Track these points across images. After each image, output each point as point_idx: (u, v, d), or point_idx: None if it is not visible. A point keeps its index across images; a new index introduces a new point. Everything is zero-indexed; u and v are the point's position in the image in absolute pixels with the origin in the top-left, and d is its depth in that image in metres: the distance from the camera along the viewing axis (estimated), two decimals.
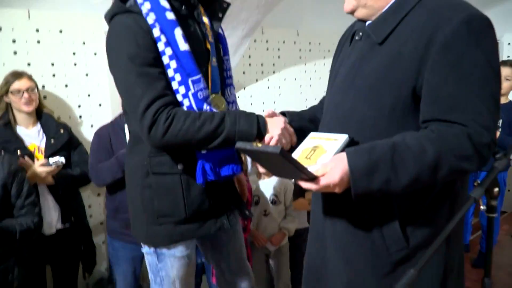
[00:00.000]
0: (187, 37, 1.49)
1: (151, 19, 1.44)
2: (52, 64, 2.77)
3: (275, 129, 1.44)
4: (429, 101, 1.14)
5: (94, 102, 2.96)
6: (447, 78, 1.10)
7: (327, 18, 3.91)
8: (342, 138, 1.23)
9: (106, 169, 2.43)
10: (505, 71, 3.18)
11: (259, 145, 1.18)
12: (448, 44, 1.09)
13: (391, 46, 1.19)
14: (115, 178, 2.39)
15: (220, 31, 1.73)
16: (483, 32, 1.11)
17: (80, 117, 2.92)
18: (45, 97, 2.72)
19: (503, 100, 3.22)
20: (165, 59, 1.45)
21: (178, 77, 1.46)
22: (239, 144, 1.22)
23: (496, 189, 1.11)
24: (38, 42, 2.70)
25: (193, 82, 1.47)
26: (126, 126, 2.51)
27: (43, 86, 2.73)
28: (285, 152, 1.09)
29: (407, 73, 1.15)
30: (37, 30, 2.69)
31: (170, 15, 1.46)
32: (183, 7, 1.53)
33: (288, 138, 1.47)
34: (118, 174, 2.37)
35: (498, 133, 3.06)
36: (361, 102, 1.24)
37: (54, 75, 2.78)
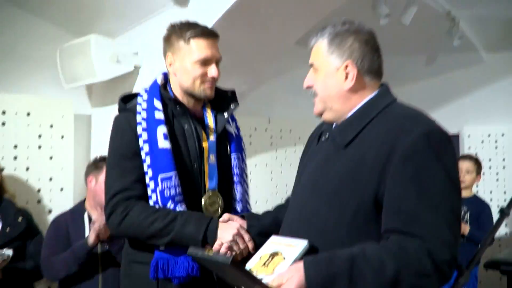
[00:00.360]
0: (174, 135, 1.60)
1: (140, 117, 1.58)
2: (15, 147, 2.70)
3: (226, 236, 1.46)
4: (390, 212, 1.13)
5: (55, 186, 2.86)
6: (407, 191, 1.10)
7: (298, 107, 4.04)
8: (302, 244, 1.18)
9: (60, 262, 2.26)
10: (465, 164, 3.28)
11: (211, 253, 1.16)
12: (408, 156, 1.11)
13: (355, 151, 1.20)
14: (69, 273, 2.23)
15: (231, 130, 1.79)
16: (442, 146, 1.14)
17: (39, 201, 2.79)
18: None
19: (467, 194, 3.27)
20: (143, 155, 1.56)
21: (150, 172, 1.54)
22: (191, 250, 1.20)
23: None
24: (3, 124, 2.65)
25: (162, 179, 1.53)
26: (85, 215, 2.41)
27: (2, 169, 2.63)
28: (237, 263, 1.06)
29: (369, 180, 1.15)
30: (3, 112, 2.65)
31: (158, 114, 1.59)
32: (177, 107, 1.64)
33: (242, 245, 1.48)
34: (73, 268, 2.23)
35: (467, 228, 3.07)
36: (323, 206, 1.22)
37: (15, 158, 2.69)
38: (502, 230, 4.36)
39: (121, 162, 1.57)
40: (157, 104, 1.61)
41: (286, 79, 4.00)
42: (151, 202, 1.54)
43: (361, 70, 1.26)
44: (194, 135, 1.65)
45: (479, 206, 3.28)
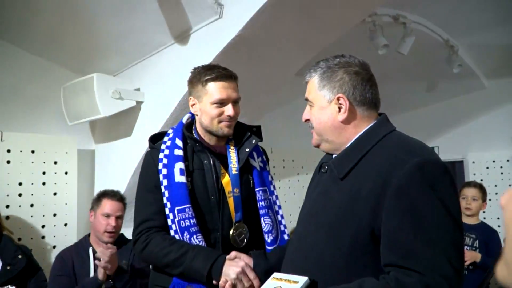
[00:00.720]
0: (192, 170, 1.73)
1: (162, 154, 1.73)
2: (20, 184, 2.73)
3: (230, 273, 1.53)
4: (387, 246, 1.12)
5: (59, 222, 2.88)
6: (402, 224, 1.09)
7: (299, 137, 4.07)
8: (302, 280, 1.19)
9: None
10: (471, 191, 3.25)
11: None
12: (402, 188, 1.10)
13: (351, 183, 1.21)
14: None
15: (255, 164, 1.84)
16: (437, 177, 1.12)
17: (43, 237, 2.80)
18: (7, 218, 2.63)
19: (474, 221, 3.23)
20: (162, 188, 1.69)
21: (168, 204, 1.67)
22: None
23: None
24: (8, 162, 2.69)
25: (178, 211, 1.65)
26: (90, 250, 2.42)
27: (7, 206, 2.66)
28: None
29: (364, 213, 1.15)
30: (8, 151, 2.69)
31: (178, 152, 1.72)
32: (197, 144, 1.75)
33: (246, 283, 1.53)
34: None
35: (479, 256, 3.00)
36: (320, 239, 1.23)
37: (20, 195, 2.72)
38: None
39: (145, 194, 1.74)
40: (178, 142, 1.75)
41: (287, 109, 4.04)
42: (171, 232, 1.67)
43: (353, 102, 1.27)
44: (213, 170, 1.74)
45: (487, 233, 3.22)
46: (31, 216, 2.76)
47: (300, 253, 1.30)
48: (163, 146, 1.76)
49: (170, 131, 1.83)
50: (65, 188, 2.89)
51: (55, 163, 2.88)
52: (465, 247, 3.25)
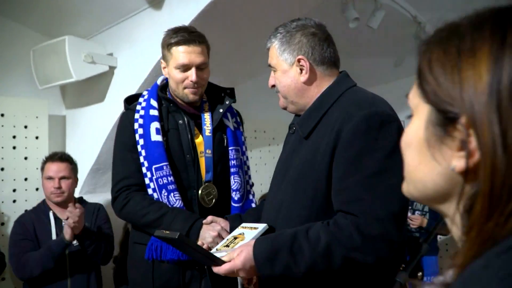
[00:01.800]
0: (167, 130, 1.76)
1: (138, 115, 1.76)
2: None
3: (207, 237, 1.60)
4: (334, 193, 1.21)
5: (30, 186, 2.86)
6: (346, 172, 1.17)
7: (271, 108, 4.13)
8: (261, 226, 1.33)
9: (35, 260, 2.27)
10: None
11: (167, 232, 1.27)
12: (349, 140, 1.18)
13: (313, 141, 1.29)
14: (46, 269, 2.25)
15: (230, 124, 1.89)
16: (382, 127, 1.18)
17: (14, 201, 2.79)
18: None
19: None
20: (139, 148, 1.73)
21: (145, 163, 1.71)
22: (157, 233, 1.30)
23: (419, 274, 1.16)
24: None
25: (156, 169, 1.69)
26: (51, 213, 2.44)
27: None
28: (184, 238, 1.21)
29: (322, 166, 1.23)
30: None
31: (153, 112, 1.75)
32: (171, 104, 1.79)
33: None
34: (50, 265, 2.25)
35: (425, 220, 3.22)
36: (288, 195, 1.32)
37: None
38: None
39: (124, 154, 1.78)
40: (153, 103, 1.78)
41: (259, 80, 4.05)
42: (150, 191, 1.71)
43: (313, 62, 1.32)
44: (187, 130, 1.78)
45: None
46: (2, 180, 2.74)
47: (272, 210, 1.39)
48: (138, 107, 1.80)
49: (145, 92, 1.86)
50: (36, 153, 2.86)
51: (26, 127, 2.85)
52: (416, 212, 3.47)
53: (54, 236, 2.40)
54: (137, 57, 2.72)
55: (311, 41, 1.33)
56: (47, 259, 2.25)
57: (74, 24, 2.88)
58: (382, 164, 1.15)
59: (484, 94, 0.48)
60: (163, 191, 1.70)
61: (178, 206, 1.70)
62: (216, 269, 1.22)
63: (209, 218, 1.65)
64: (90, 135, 3.01)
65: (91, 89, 2.98)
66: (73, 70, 2.58)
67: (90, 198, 3.03)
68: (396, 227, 1.13)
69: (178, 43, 1.68)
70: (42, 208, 2.50)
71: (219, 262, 1.21)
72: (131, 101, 1.88)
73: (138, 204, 1.69)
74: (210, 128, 1.82)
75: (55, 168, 2.47)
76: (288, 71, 1.35)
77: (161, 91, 1.84)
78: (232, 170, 1.86)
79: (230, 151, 1.86)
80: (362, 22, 3.54)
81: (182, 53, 1.68)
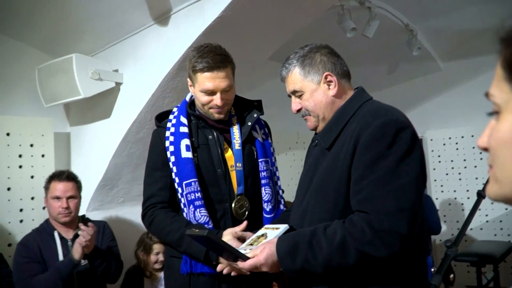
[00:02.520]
0: (197, 146, 1.81)
1: (168, 132, 1.81)
2: None
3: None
4: (351, 195, 1.31)
5: (37, 205, 2.85)
6: (362, 175, 1.27)
7: (269, 118, 4.19)
8: (283, 226, 1.45)
9: (44, 282, 2.24)
10: None
11: (196, 230, 1.42)
12: (367, 146, 1.28)
13: (334, 151, 1.39)
14: None
15: (258, 137, 1.92)
16: (397, 134, 1.28)
17: (21, 221, 2.77)
18: None
19: None
20: (170, 164, 1.79)
21: (177, 179, 1.77)
22: (188, 232, 1.47)
23: (451, 276, 1.20)
24: None
25: (186, 185, 1.74)
26: (56, 233, 2.43)
27: None
28: (213, 235, 1.33)
29: (343, 171, 1.33)
30: None
31: (183, 129, 1.81)
32: (200, 121, 1.84)
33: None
34: (59, 286, 2.23)
35: None
36: (311, 201, 1.42)
37: None
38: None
39: (152, 172, 1.85)
40: (183, 119, 1.83)
41: (258, 91, 4.13)
42: (181, 206, 1.77)
43: (337, 76, 1.44)
44: (217, 144, 1.81)
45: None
46: (8, 200, 2.73)
47: (297, 218, 1.48)
48: (168, 124, 1.84)
49: (175, 109, 1.90)
50: (42, 171, 2.86)
51: (31, 145, 2.84)
52: None
53: (60, 257, 2.38)
54: (143, 73, 2.75)
55: (331, 58, 1.46)
56: (56, 281, 2.23)
57: (78, 42, 2.90)
58: (395, 166, 1.25)
59: None
60: (191, 206, 1.73)
61: (203, 221, 1.72)
62: (241, 265, 1.35)
63: (229, 231, 1.67)
64: (96, 152, 3.01)
65: (96, 106, 2.99)
66: (81, 87, 2.60)
67: (97, 215, 3.04)
68: (407, 222, 1.21)
69: (203, 70, 1.70)
70: (46, 228, 2.47)
71: (244, 258, 1.33)
72: (161, 118, 1.92)
73: (161, 222, 1.75)
74: (239, 141, 1.85)
75: (62, 188, 2.46)
76: (317, 90, 1.45)
77: (190, 107, 1.87)
78: (263, 182, 1.88)
79: (260, 163, 1.89)
80: (357, 31, 3.62)
81: (207, 80, 1.71)
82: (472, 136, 4.86)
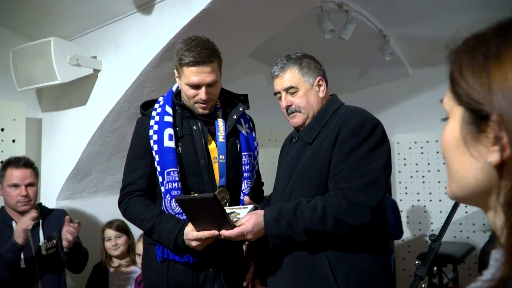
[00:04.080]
0: (180, 136, 1.82)
1: (153, 121, 1.82)
2: None
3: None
4: (330, 177, 1.54)
5: None
6: (341, 160, 1.51)
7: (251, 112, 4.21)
8: (250, 206, 1.66)
9: None
10: None
11: (196, 195, 1.48)
12: (347, 137, 1.52)
13: (316, 144, 1.61)
14: (3, 279, 2.15)
15: (243, 130, 1.94)
16: (373, 130, 1.53)
17: None
18: None
19: None
20: (153, 153, 1.80)
21: (158, 168, 1.78)
22: (178, 197, 1.53)
23: (435, 268, 1.28)
24: None
25: (167, 174, 1.75)
26: (13, 223, 2.34)
27: None
28: (217, 199, 1.41)
29: (326, 158, 1.55)
30: None
31: (167, 118, 1.81)
32: (185, 111, 1.85)
33: None
34: (7, 274, 2.15)
35: None
36: (296, 185, 1.60)
37: None
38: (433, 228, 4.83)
39: (133, 160, 1.86)
40: (168, 109, 1.83)
41: (233, 87, 4.14)
42: (162, 194, 1.78)
43: (325, 81, 1.71)
44: (201, 135, 1.82)
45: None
46: None
47: (281, 201, 1.62)
48: (153, 113, 1.85)
49: (160, 98, 1.90)
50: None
51: (2, 130, 2.75)
52: None
53: None
54: (123, 61, 2.71)
55: (319, 66, 1.73)
56: (2, 269, 2.14)
57: (55, 25, 2.83)
58: (368, 154, 1.49)
59: (511, 93, 0.54)
60: (167, 196, 1.74)
61: (177, 211, 1.73)
62: (227, 233, 1.49)
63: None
64: (69, 139, 2.94)
65: (71, 92, 2.92)
66: (58, 72, 2.53)
67: (69, 204, 2.97)
68: (376, 197, 1.45)
69: (189, 64, 1.71)
70: (2, 218, 2.37)
71: (232, 226, 1.48)
72: (146, 107, 1.91)
73: (136, 210, 1.78)
74: (223, 134, 1.86)
75: (20, 175, 2.34)
76: (311, 90, 1.68)
77: (176, 97, 1.88)
78: (245, 175, 1.91)
79: (243, 157, 1.91)
80: (334, 34, 3.71)
81: (192, 74, 1.72)
82: (437, 141, 5.05)
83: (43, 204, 2.60)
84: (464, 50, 0.62)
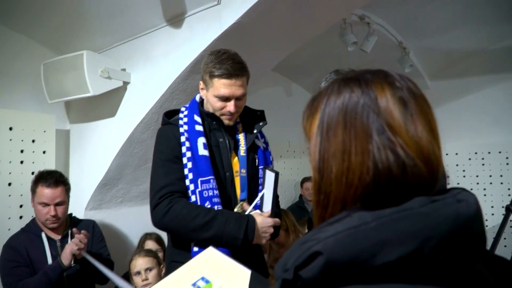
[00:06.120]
0: (210, 146, 1.80)
1: (182, 129, 1.80)
2: None
3: (262, 238, 1.71)
4: None
5: None
6: None
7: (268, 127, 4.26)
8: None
9: (33, 286, 2.18)
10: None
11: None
12: None
13: None
14: None
15: (260, 144, 1.95)
16: None
17: (21, 217, 2.71)
18: None
19: None
20: (185, 160, 1.75)
21: (190, 175, 1.73)
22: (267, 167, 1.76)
23: None
24: None
25: (202, 182, 1.71)
26: (43, 235, 2.36)
27: None
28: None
29: None
30: None
31: (198, 127, 1.80)
32: (214, 123, 1.84)
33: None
34: None
35: None
36: None
37: None
38: None
39: (166, 163, 1.77)
40: (197, 118, 1.83)
41: (253, 98, 4.18)
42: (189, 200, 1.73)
43: None
44: (227, 148, 1.83)
45: None
46: (9, 196, 2.66)
47: None
48: (180, 122, 1.84)
49: (183, 108, 1.90)
50: (43, 167, 2.77)
51: (33, 141, 2.79)
52: None
53: (49, 258, 2.31)
54: (153, 73, 2.76)
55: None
56: (44, 285, 2.17)
57: (85, 39, 2.89)
58: None
59: (315, 128, 0.68)
60: (207, 202, 1.71)
61: None
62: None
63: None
64: (98, 150, 2.98)
65: (100, 104, 2.97)
66: (90, 85, 2.58)
67: (96, 215, 3.00)
68: None
69: (221, 76, 1.72)
70: (32, 229, 2.39)
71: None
72: (170, 116, 1.92)
73: (185, 207, 1.66)
74: (244, 148, 1.87)
75: (50, 195, 2.32)
76: None
77: (201, 107, 1.89)
78: (260, 187, 1.90)
79: (260, 170, 1.92)
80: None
81: (224, 86, 1.73)
82: (457, 154, 5.05)
83: (73, 215, 2.63)
84: (309, 102, 0.76)
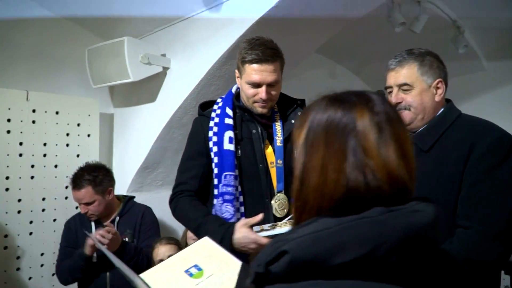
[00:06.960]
0: (240, 139, 1.79)
1: (212, 122, 1.81)
2: (44, 144, 2.74)
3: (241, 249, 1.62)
4: (463, 197, 1.39)
5: None
6: (478, 181, 1.37)
7: None
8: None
9: (66, 269, 2.35)
10: None
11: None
12: (484, 155, 1.38)
13: (437, 154, 1.47)
14: (75, 279, 2.34)
15: None
16: (510, 149, 1.39)
17: (66, 198, 2.83)
18: (32, 177, 2.66)
19: None
20: (212, 155, 1.79)
21: (216, 170, 1.77)
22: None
23: None
24: (33, 122, 2.69)
25: (224, 177, 1.74)
26: (93, 225, 2.46)
27: (32, 166, 2.68)
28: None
29: (453, 177, 1.41)
30: (34, 111, 2.69)
31: (228, 121, 1.79)
32: (246, 114, 1.83)
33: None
34: (77, 275, 2.31)
35: None
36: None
37: (45, 155, 2.74)
38: None
39: (186, 160, 1.87)
40: (228, 111, 1.82)
41: (296, 80, 4.10)
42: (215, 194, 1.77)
43: (445, 86, 1.57)
44: (260, 139, 1.80)
45: None
46: (55, 177, 2.79)
47: None
48: (213, 114, 1.84)
49: (219, 100, 1.89)
50: (88, 151, 2.91)
51: (78, 125, 2.89)
52: None
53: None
54: (192, 59, 2.75)
55: (444, 68, 1.58)
56: (75, 270, 2.32)
57: (127, 25, 2.91)
58: (508, 177, 1.37)
59: (302, 140, 0.77)
60: (220, 199, 1.73)
61: (226, 217, 1.72)
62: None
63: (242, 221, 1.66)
64: (139, 134, 3.05)
65: (141, 89, 3.01)
66: (131, 71, 2.62)
67: (137, 197, 3.07)
68: (502, 243, 1.36)
69: (251, 62, 1.70)
70: (82, 221, 2.52)
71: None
72: (204, 107, 1.92)
73: (184, 209, 1.78)
74: (281, 138, 1.84)
75: (76, 198, 2.42)
76: (426, 91, 1.53)
77: (235, 99, 1.87)
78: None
79: None
80: (404, 26, 3.53)
81: (255, 72, 1.70)
82: None
83: (134, 198, 2.70)
84: (303, 112, 0.85)
